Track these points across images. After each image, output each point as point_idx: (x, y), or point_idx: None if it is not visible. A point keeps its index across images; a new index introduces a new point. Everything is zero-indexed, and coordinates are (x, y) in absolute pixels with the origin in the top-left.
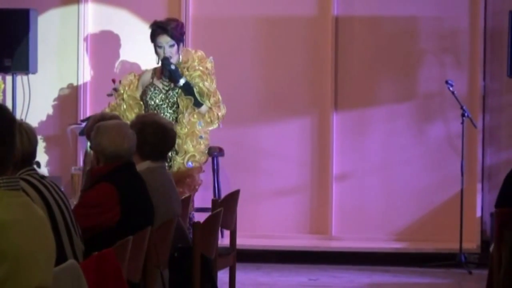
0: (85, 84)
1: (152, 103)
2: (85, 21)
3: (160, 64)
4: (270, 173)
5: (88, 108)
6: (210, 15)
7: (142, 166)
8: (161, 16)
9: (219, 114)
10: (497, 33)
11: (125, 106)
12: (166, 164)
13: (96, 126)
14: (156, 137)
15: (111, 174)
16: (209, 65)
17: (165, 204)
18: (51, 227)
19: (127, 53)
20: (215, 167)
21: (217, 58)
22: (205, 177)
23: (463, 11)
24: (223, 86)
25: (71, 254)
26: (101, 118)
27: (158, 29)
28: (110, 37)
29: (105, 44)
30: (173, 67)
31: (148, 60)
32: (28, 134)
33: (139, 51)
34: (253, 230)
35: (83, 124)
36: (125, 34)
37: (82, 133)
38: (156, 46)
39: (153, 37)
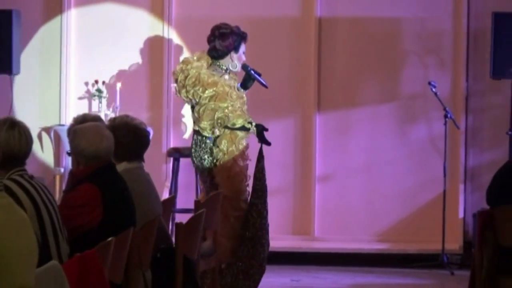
0: (68, 85)
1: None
2: (68, 23)
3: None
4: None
5: (71, 109)
6: (194, 16)
7: (119, 168)
8: (144, 18)
9: None
10: (480, 34)
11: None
12: (144, 164)
13: (72, 130)
14: (128, 138)
15: (92, 175)
16: None
17: (143, 204)
18: (38, 228)
19: (110, 55)
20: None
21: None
22: (188, 179)
23: (446, 12)
24: None
25: (56, 255)
26: (83, 119)
27: (245, 37)
28: (93, 39)
29: (88, 46)
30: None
31: (131, 62)
32: (25, 134)
33: (122, 52)
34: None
35: (66, 125)
36: (107, 35)
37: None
38: (242, 53)
39: (239, 45)
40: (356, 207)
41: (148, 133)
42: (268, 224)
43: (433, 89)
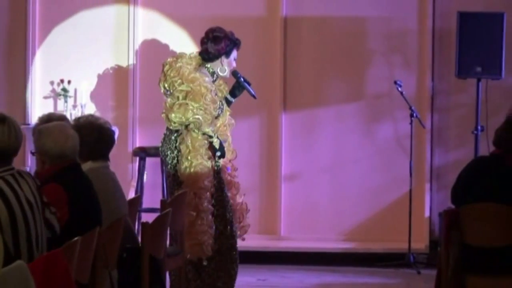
0: (33, 84)
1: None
2: (33, 21)
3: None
4: None
5: (36, 109)
6: (159, 16)
7: (84, 167)
8: (110, 17)
9: None
10: (445, 34)
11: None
12: (109, 163)
13: (37, 129)
14: (92, 137)
15: (58, 175)
16: None
17: (109, 204)
18: (11, 237)
19: (76, 54)
20: (164, 167)
21: (166, 58)
22: (154, 178)
23: (411, 12)
24: None
25: (26, 257)
26: (48, 118)
27: (238, 44)
28: (59, 38)
29: (54, 45)
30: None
31: (96, 61)
32: (15, 129)
33: (87, 52)
34: None
35: (32, 125)
36: (74, 34)
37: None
38: (233, 59)
39: (231, 51)
40: (322, 206)
41: (113, 132)
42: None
43: (399, 89)
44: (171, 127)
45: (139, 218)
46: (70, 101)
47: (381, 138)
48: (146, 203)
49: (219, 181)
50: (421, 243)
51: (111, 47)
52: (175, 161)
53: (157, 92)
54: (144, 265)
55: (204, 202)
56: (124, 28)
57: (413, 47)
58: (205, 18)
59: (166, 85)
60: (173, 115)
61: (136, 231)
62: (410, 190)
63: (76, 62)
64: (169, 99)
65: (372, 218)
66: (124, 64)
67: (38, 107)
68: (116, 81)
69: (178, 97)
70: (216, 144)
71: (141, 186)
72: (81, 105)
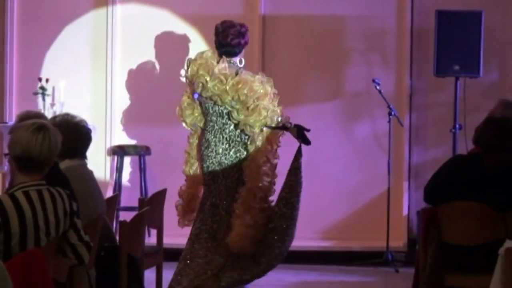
0: (11, 82)
1: None
2: (11, 18)
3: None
4: None
5: (14, 107)
6: (137, 13)
7: (61, 165)
8: (88, 15)
9: None
10: (423, 32)
11: None
12: (86, 161)
13: (12, 129)
14: (69, 135)
15: None
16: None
17: (87, 202)
18: (19, 247)
19: (54, 53)
20: (142, 166)
21: (144, 56)
22: (132, 177)
23: (390, 10)
24: (149, 84)
25: None
26: (26, 116)
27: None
28: (37, 36)
29: (31, 42)
30: None
31: (74, 60)
32: (49, 140)
33: (65, 50)
34: (180, 229)
35: (11, 123)
36: (52, 32)
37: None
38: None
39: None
40: (300, 205)
41: (89, 130)
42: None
43: (377, 87)
44: (248, 131)
45: (117, 217)
46: (48, 99)
47: (360, 137)
48: (124, 202)
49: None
50: (399, 242)
51: (89, 46)
52: (239, 160)
53: (135, 91)
54: (122, 264)
55: (266, 198)
56: (102, 26)
57: (392, 46)
58: (183, 16)
59: (231, 95)
60: (253, 119)
61: (114, 230)
62: (388, 189)
63: (54, 60)
64: (239, 106)
65: (350, 216)
66: (102, 62)
67: (15, 105)
68: (93, 79)
69: (254, 103)
70: (294, 131)
71: (118, 184)
72: (59, 103)
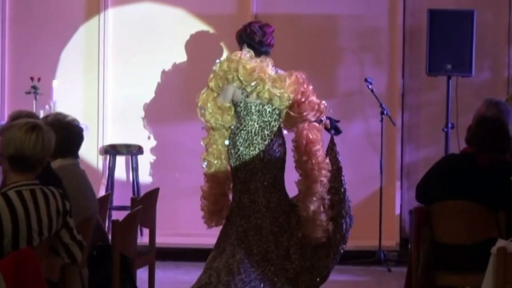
0: (3, 81)
1: None
2: (3, 17)
3: None
4: (189, 171)
5: (6, 106)
6: (130, 13)
7: (53, 165)
8: (80, 14)
9: None
10: (415, 31)
11: None
12: (79, 161)
13: (3, 129)
14: (60, 134)
15: None
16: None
17: (79, 201)
18: (11, 246)
19: (46, 52)
20: (134, 165)
21: (136, 56)
22: (124, 175)
23: (382, 10)
24: (141, 84)
25: None
26: (18, 116)
27: None
28: (29, 34)
29: (23, 41)
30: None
31: (66, 59)
32: (43, 140)
33: (57, 49)
34: (172, 228)
35: (2, 122)
36: (44, 32)
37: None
38: None
39: None
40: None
41: (81, 129)
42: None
43: (370, 86)
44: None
45: (109, 216)
46: (40, 98)
47: (352, 136)
48: (116, 201)
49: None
50: (391, 241)
51: (81, 45)
52: (280, 156)
53: (127, 90)
54: (115, 263)
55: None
56: (95, 25)
57: (384, 45)
58: (176, 16)
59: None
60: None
61: (106, 229)
62: (381, 188)
63: (46, 59)
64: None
65: None
66: (94, 61)
67: (7, 104)
68: (86, 78)
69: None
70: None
71: (111, 183)
72: (52, 102)
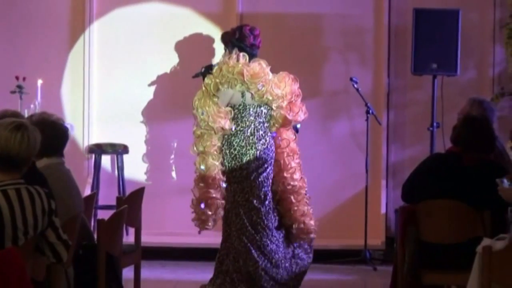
0: None
1: None
2: None
3: None
4: (174, 171)
5: None
6: (115, 12)
7: (39, 164)
8: (65, 13)
9: None
10: (401, 31)
11: None
12: (64, 160)
13: None
14: (46, 133)
15: None
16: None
17: (65, 200)
18: None
19: (30, 51)
20: (120, 165)
21: (121, 56)
22: (110, 175)
23: (367, 9)
24: (127, 83)
25: None
26: (2, 115)
27: None
28: (14, 34)
29: (8, 41)
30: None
31: (51, 58)
32: (29, 139)
33: (42, 48)
34: (158, 227)
35: None
36: (28, 30)
37: None
38: None
39: None
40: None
41: (66, 129)
42: None
43: (355, 85)
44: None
45: (95, 215)
46: (26, 98)
47: (337, 135)
48: (101, 200)
49: None
50: (377, 240)
51: (66, 44)
52: (271, 154)
53: (112, 90)
54: (100, 262)
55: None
56: (80, 24)
57: (369, 44)
58: (160, 14)
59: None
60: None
61: (92, 228)
62: (366, 187)
63: (32, 59)
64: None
65: (328, 214)
66: (79, 61)
67: None
68: (71, 77)
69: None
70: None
71: (96, 183)
72: (37, 102)
